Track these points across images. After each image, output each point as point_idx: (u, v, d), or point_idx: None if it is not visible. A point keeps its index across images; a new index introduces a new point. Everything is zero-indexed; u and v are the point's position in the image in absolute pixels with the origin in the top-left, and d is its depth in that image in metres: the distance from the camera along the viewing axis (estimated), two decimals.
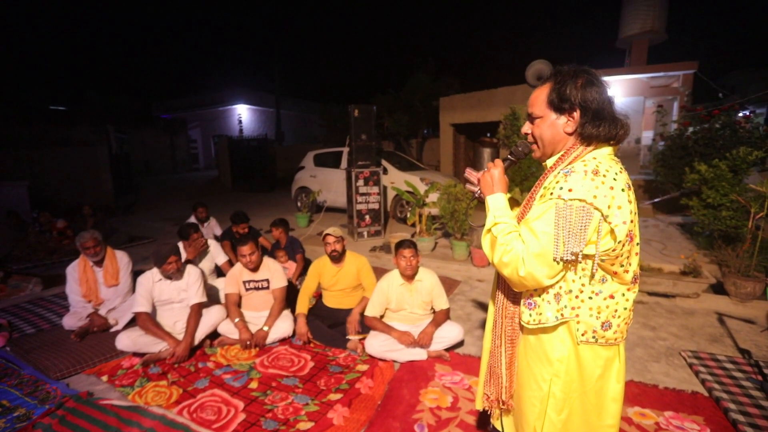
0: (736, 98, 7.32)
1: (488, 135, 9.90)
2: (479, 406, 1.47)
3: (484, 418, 2.10)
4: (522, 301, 1.21)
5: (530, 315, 1.17)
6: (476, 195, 1.32)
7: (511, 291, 1.25)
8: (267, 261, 3.17)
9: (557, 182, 1.07)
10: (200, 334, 2.87)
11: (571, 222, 1.01)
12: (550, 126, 1.15)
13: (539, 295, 1.16)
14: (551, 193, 1.06)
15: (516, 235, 1.10)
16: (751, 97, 8.44)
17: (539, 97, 1.16)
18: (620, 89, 8.30)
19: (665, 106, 8.09)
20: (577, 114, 1.09)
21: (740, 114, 6.30)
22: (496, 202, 1.22)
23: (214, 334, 2.98)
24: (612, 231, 1.03)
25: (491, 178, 1.25)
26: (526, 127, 1.22)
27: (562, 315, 1.13)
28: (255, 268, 3.08)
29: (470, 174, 1.34)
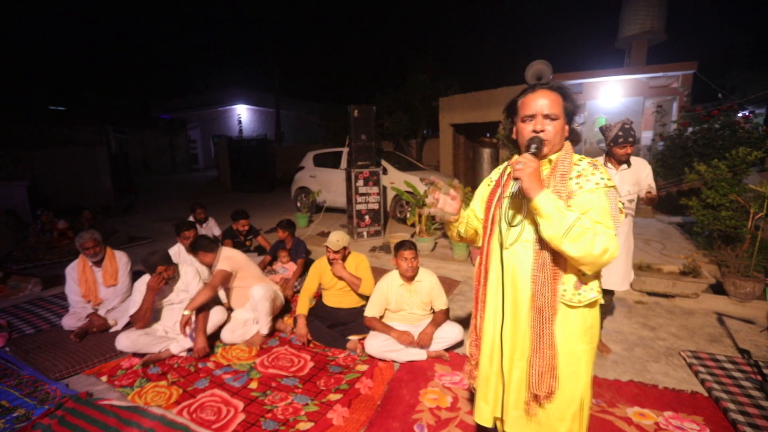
0: (735, 98, 7.33)
1: (488, 135, 9.91)
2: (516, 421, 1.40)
3: None
4: (574, 284, 1.28)
5: (579, 294, 1.28)
6: (515, 190, 1.30)
7: (551, 278, 1.27)
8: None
9: (593, 174, 1.26)
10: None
11: (614, 204, 1.26)
12: (563, 128, 1.32)
13: (584, 273, 1.27)
14: (596, 183, 1.23)
15: (594, 222, 1.18)
16: (751, 98, 8.44)
17: (557, 101, 1.29)
18: (620, 89, 8.30)
19: (665, 106, 8.10)
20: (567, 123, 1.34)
21: (740, 114, 6.32)
22: (555, 198, 1.21)
23: (215, 335, 2.98)
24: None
25: (537, 174, 1.22)
26: (547, 125, 1.29)
27: (599, 285, 1.32)
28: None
29: (526, 161, 1.21)
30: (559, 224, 1.16)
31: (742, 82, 15.88)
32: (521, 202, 1.29)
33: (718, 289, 3.72)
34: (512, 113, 1.40)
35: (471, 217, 1.58)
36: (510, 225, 1.32)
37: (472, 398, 2.29)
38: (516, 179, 1.22)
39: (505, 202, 1.38)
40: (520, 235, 1.32)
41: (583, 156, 1.36)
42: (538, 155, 1.27)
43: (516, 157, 1.26)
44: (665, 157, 6.51)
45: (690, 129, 6.32)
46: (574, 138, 1.37)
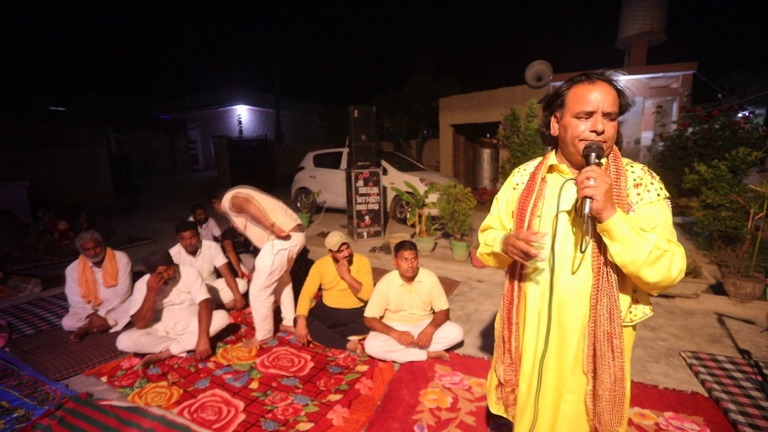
0: (735, 99, 7.34)
1: (488, 135, 9.92)
2: None
3: (484, 418, 2.10)
4: (629, 303, 1.19)
5: (631, 313, 1.20)
6: (586, 211, 1.02)
7: (617, 301, 1.14)
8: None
9: (651, 183, 1.13)
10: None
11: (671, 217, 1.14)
12: (617, 126, 1.14)
13: (637, 291, 1.20)
14: (657, 194, 1.12)
15: (667, 241, 1.05)
16: (751, 98, 8.45)
17: (615, 97, 1.10)
18: None
19: (665, 106, 8.09)
20: None
21: (739, 115, 6.31)
22: (629, 218, 1.07)
23: (215, 337, 2.98)
24: None
25: (611, 192, 1.04)
26: (607, 126, 1.10)
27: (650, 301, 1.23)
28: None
29: (598, 176, 1.01)
30: (638, 249, 1.01)
31: (741, 83, 15.89)
32: (582, 221, 1.05)
33: (718, 289, 3.72)
34: (555, 107, 1.19)
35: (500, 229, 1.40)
36: (581, 251, 1.11)
37: (474, 400, 2.29)
38: (587, 198, 1.01)
39: (562, 219, 1.19)
40: (583, 259, 1.15)
41: (630, 160, 1.19)
42: (601, 166, 1.09)
43: (587, 168, 1.04)
44: (665, 158, 6.51)
45: (690, 129, 6.32)
46: (618, 139, 1.18)
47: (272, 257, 2.86)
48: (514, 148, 7.58)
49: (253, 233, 2.99)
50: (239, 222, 3.02)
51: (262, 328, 2.98)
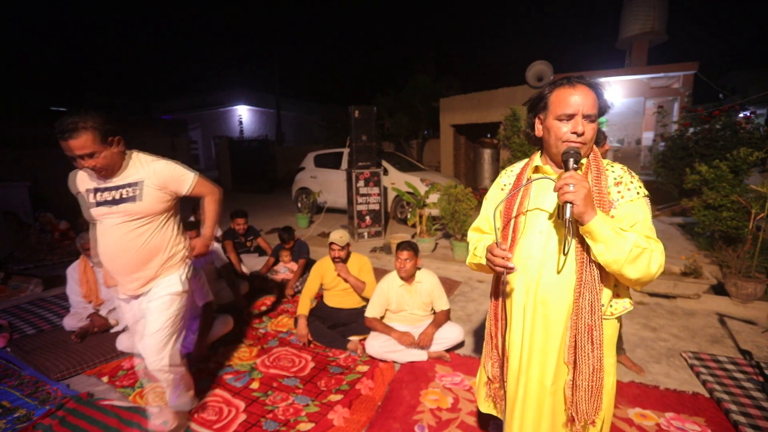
0: (736, 99, 7.33)
1: (488, 136, 9.92)
2: None
3: (485, 419, 2.10)
4: (610, 297, 1.22)
5: (612, 307, 1.24)
6: (567, 215, 1.05)
7: (599, 295, 1.17)
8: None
9: (631, 182, 1.18)
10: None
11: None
12: (596, 128, 1.19)
13: (618, 286, 1.23)
14: (637, 193, 1.16)
15: (646, 239, 1.10)
16: (752, 98, 8.44)
17: (595, 100, 1.15)
18: (621, 90, 8.30)
19: (666, 106, 8.09)
20: None
21: (741, 115, 6.30)
22: (609, 219, 1.10)
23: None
24: None
25: (591, 195, 1.07)
26: (587, 128, 1.14)
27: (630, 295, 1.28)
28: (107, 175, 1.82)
29: (577, 182, 1.04)
30: (619, 248, 1.05)
31: (743, 83, 15.88)
32: (564, 223, 1.07)
33: (719, 289, 3.71)
34: (538, 109, 1.23)
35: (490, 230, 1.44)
36: (563, 253, 1.15)
37: (475, 400, 2.29)
38: (567, 203, 1.04)
39: (547, 219, 1.23)
40: (567, 257, 1.17)
41: (610, 160, 1.26)
42: (580, 168, 1.14)
43: (565, 175, 1.07)
44: (666, 158, 6.51)
45: (691, 129, 6.31)
46: (599, 139, 1.27)
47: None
48: (514, 149, 7.58)
49: (163, 234, 2.04)
50: (150, 199, 1.92)
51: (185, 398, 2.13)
